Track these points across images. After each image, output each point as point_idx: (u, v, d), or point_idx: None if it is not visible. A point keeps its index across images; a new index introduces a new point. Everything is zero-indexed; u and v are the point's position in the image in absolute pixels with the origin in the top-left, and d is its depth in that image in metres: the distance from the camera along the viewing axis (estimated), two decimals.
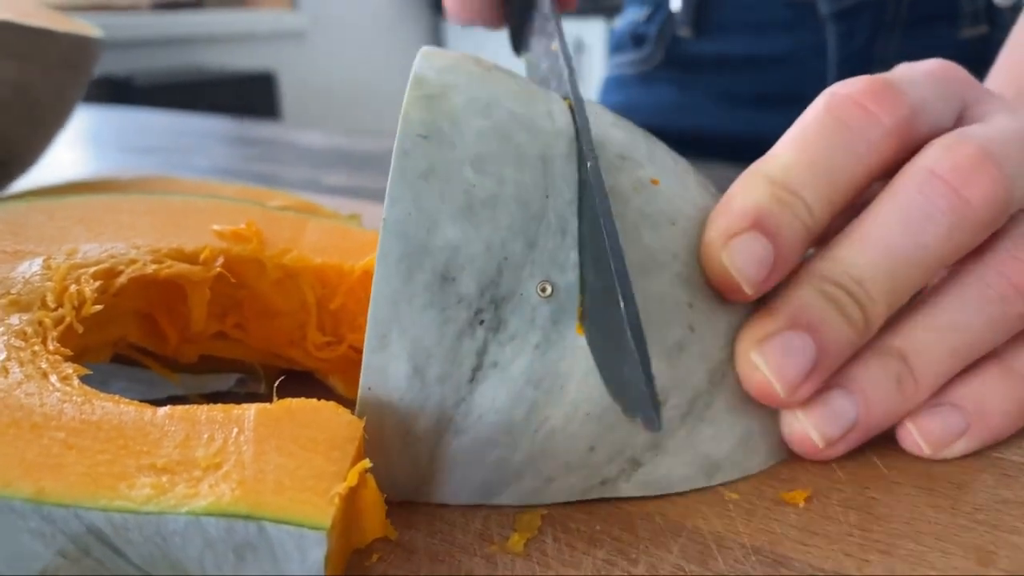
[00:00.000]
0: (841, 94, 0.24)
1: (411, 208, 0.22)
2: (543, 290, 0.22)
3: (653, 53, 0.76)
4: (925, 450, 0.25)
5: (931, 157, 0.24)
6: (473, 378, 0.22)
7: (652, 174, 0.25)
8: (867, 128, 0.24)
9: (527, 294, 0.22)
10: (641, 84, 0.78)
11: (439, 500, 0.23)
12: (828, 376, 0.24)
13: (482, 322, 0.22)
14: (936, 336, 0.24)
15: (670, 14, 0.74)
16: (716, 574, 0.20)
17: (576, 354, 0.22)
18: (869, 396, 0.24)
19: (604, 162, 0.24)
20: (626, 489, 0.23)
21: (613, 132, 0.26)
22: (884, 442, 0.26)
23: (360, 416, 0.21)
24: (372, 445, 0.22)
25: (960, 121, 0.26)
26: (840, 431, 0.24)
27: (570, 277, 0.22)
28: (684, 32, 0.73)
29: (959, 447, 0.25)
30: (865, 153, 0.24)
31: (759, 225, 0.23)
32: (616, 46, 0.82)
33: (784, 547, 0.21)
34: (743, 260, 0.23)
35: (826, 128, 0.24)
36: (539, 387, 0.22)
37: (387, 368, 0.22)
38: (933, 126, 0.25)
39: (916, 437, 0.24)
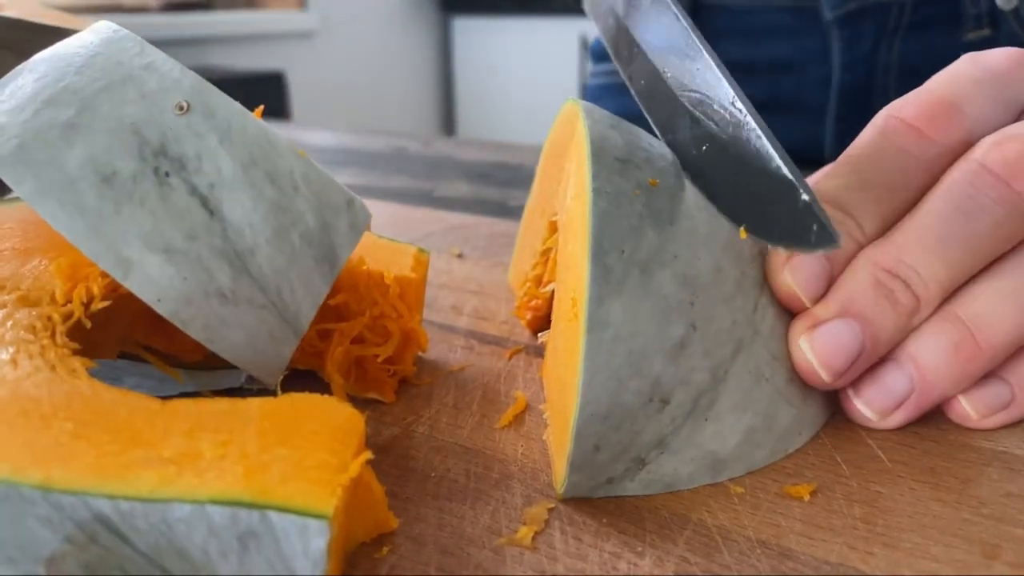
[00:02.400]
0: (897, 118, 0.26)
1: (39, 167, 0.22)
2: (179, 108, 0.22)
3: None
4: (972, 417, 0.25)
5: (981, 152, 0.24)
6: (207, 207, 0.22)
7: (650, 175, 0.25)
8: (922, 151, 0.25)
9: (171, 122, 0.22)
10: (626, 92, 0.77)
11: None
12: (874, 361, 0.25)
13: (167, 173, 0.22)
14: (999, 301, 0.24)
15: None
16: (721, 567, 0.20)
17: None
18: (923, 365, 0.25)
19: (603, 166, 0.24)
20: (632, 487, 0.23)
21: (612, 135, 0.26)
22: (889, 436, 0.26)
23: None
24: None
25: (1020, 117, 0.27)
26: (893, 404, 0.25)
27: (184, 79, 0.23)
28: None
29: (999, 419, 0.26)
30: (919, 174, 0.25)
31: None
32: (601, 55, 0.81)
33: (789, 540, 0.21)
34: (803, 277, 0.25)
35: (881, 152, 0.25)
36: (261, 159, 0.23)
37: (156, 278, 0.22)
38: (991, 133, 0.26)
39: (964, 406, 0.25)
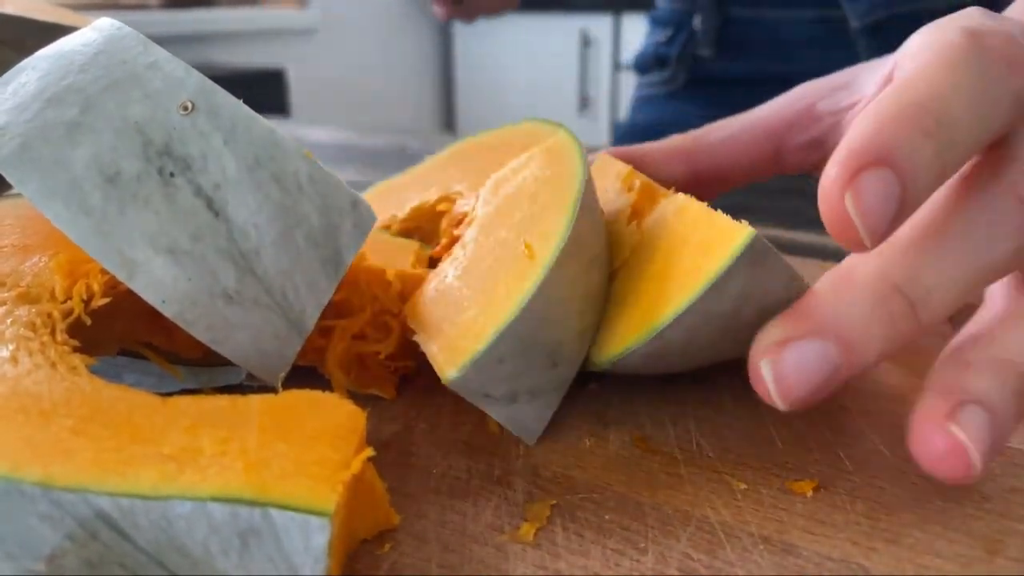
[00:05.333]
0: (988, 44, 0.21)
1: (51, 167, 0.22)
2: (184, 108, 0.23)
3: (675, 74, 0.75)
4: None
5: (1013, 177, 0.22)
6: (212, 208, 0.22)
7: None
8: (1012, 83, 0.21)
9: (176, 122, 0.22)
10: (669, 102, 0.77)
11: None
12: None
13: (172, 173, 0.22)
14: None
15: (692, 34, 0.73)
16: (724, 563, 0.20)
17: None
18: (999, 411, 0.21)
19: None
20: (496, 413, 0.25)
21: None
22: (892, 431, 0.26)
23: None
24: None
25: None
26: (984, 449, 0.20)
27: (188, 78, 0.23)
28: (705, 52, 0.72)
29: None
30: (1009, 106, 0.21)
31: (891, 161, 0.19)
32: (642, 67, 0.82)
33: (792, 536, 0.21)
34: (869, 201, 0.19)
35: (978, 65, 0.21)
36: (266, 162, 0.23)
37: (161, 279, 0.22)
38: None
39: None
